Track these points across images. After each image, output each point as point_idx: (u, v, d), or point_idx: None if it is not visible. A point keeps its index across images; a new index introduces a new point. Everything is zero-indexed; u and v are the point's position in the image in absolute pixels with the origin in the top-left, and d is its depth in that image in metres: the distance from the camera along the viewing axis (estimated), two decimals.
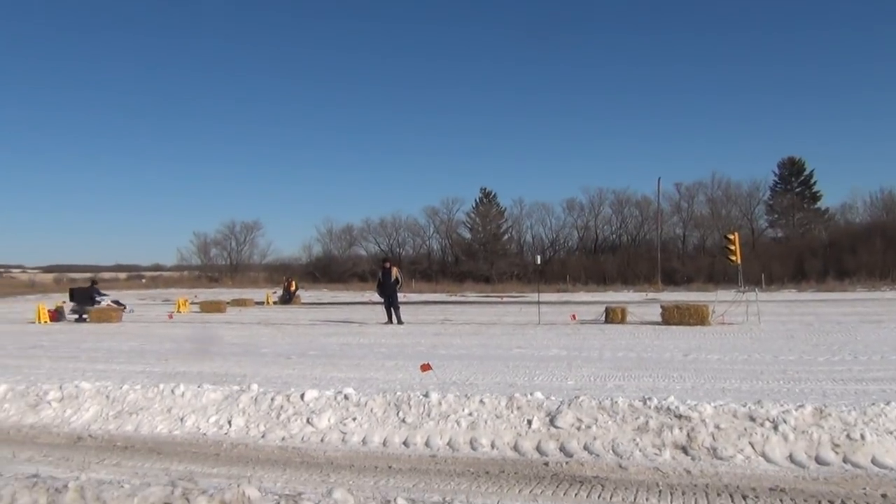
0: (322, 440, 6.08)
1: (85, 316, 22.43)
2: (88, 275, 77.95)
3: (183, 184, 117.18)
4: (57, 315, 23.14)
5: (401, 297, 20.23)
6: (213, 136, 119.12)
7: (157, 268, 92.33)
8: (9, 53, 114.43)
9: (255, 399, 6.84)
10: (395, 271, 19.07)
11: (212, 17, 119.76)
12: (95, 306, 23.36)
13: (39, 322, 22.20)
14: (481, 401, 6.23)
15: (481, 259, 62.95)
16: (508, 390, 7.10)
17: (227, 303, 29.25)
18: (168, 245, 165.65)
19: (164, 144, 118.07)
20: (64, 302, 24.84)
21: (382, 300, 19.22)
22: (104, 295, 25.34)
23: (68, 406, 7.29)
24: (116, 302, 25.27)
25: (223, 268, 75.68)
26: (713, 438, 5.38)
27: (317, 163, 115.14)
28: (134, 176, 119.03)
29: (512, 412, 6.05)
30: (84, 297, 23.90)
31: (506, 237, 68.35)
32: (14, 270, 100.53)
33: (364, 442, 5.99)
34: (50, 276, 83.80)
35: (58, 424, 6.97)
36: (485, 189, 69.08)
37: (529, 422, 5.89)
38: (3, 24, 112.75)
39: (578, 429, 5.72)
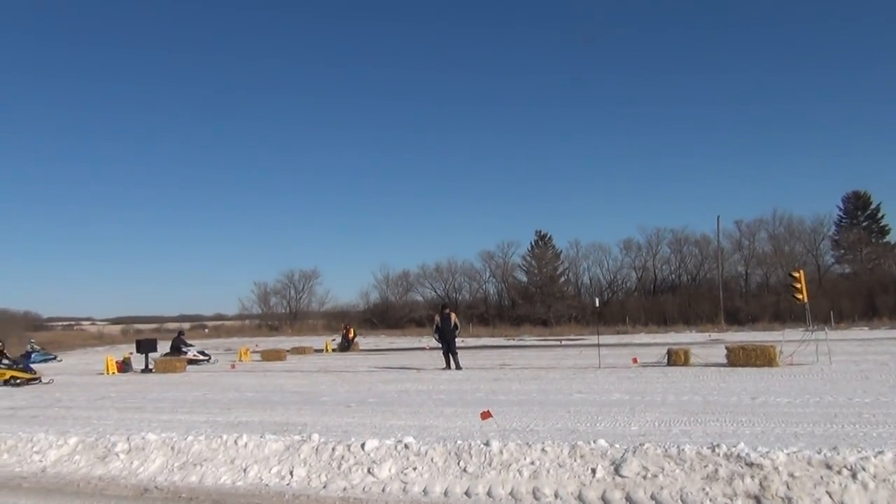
0: (383, 490, 6.04)
1: (150, 366, 22.99)
2: (154, 326, 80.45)
3: (243, 234, 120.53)
4: (123, 366, 23.81)
5: (458, 342, 20.13)
6: (272, 188, 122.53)
7: (219, 317, 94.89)
8: (78, 111, 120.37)
9: (317, 449, 6.86)
10: (453, 316, 19.05)
11: (267, 76, 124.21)
12: (182, 356, 24.09)
13: (108, 373, 22.86)
14: (543, 449, 6.12)
15: (538, 302, 62.41)
16: (570, 437, 6.97)
17: (287, 351, 29.64)
18: (230, 295, 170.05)
19: (225, 196, 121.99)
20: (131, 353, 25.53)
21: (441, 345, 19.16)
22: (190, 346, 26.05)
23: (135, 457, 7.43)
24: (202, 352, 25.91)
25: (283, 316, 77.05)
26: (787, 487, 5.15)
27: (373, 210, 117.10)
28: (196, 228, 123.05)
29: (575, 461, 5.92)
30: (163, 347, 24.62)
31: (562, 279, 67.75)
32: (84, 323, 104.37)
33: (425, 492, 5.92)
34: (117, 328, 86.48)
35: (125, 476, 7.10)
36: (540, 231, 69.07)
37: (593, 470, 5.75)
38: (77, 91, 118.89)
39: (644, 478, 5.55)
